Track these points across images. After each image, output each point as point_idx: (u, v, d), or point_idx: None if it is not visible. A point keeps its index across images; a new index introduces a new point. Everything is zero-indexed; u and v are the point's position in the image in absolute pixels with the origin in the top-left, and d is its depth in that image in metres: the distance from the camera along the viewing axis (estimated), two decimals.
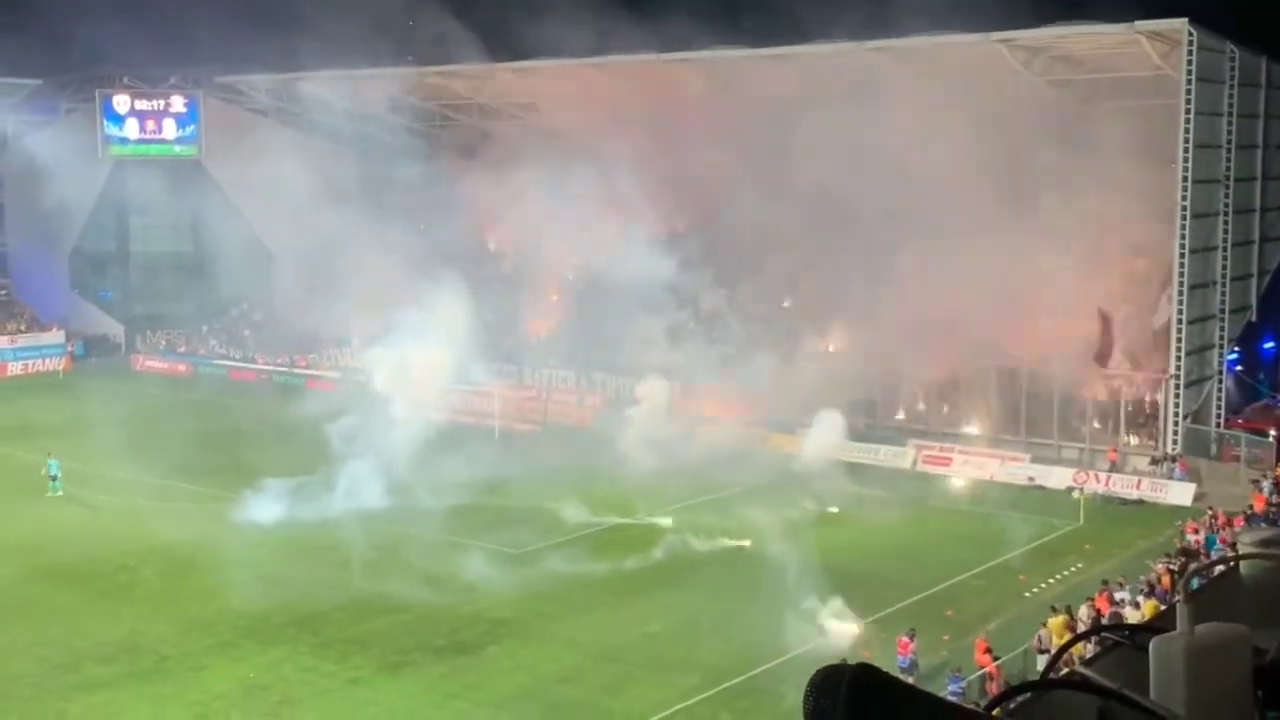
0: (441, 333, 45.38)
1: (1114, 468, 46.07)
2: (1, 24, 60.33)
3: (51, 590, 35.69)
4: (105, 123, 75.31)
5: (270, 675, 29.83)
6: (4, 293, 76.58)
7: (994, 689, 26.54)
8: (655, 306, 51.00)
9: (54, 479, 44.44)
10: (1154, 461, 46.08)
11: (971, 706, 2.74)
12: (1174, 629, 2.87)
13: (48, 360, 71.83)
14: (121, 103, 75.25)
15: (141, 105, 75.44)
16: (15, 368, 70.76)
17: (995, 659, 28.49)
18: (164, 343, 74.63)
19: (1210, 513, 37.71)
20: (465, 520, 40.18)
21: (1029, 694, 3.03)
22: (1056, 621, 29.21)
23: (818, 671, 2.52)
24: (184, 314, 74.38)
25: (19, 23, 59.43)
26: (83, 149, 72.54)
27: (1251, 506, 38.96)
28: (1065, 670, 3.25)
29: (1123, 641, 3.09)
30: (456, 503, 40.89)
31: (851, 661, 2.52)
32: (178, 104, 75.38)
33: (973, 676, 27.76)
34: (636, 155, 52.56)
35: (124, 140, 75.47)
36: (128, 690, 29.04)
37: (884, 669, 2.51)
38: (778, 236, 51.61)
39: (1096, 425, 48.98)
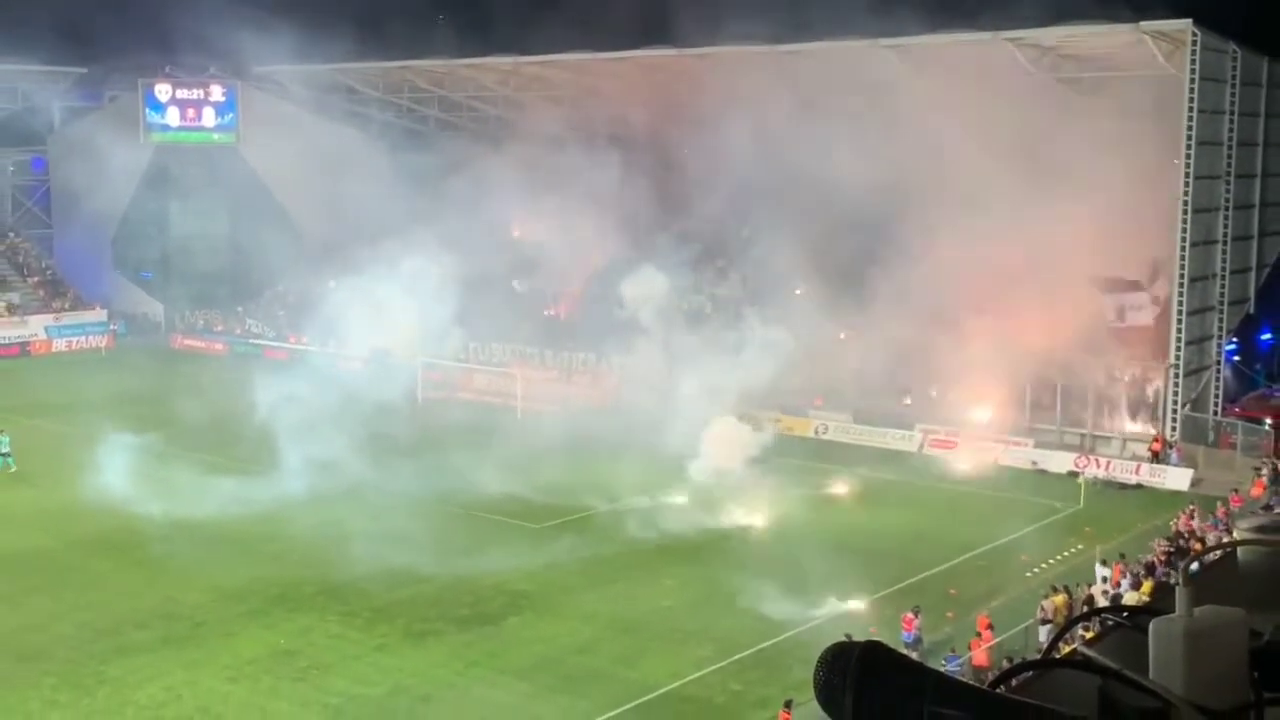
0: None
1: (1157, 458, 46.28)
2: (49, 14, 61.80)
3: (92, 558, 36.53)
4: (147, 110, 76.65)
5: (300, 642, 30.59)
6: (49, 273, 77.89)
7: (983, 661, 27.53)
8: (674, 293, 51.96)
9: (6, 455, 45.46)
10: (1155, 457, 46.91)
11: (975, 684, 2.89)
12: (1172, 611, 2.86)
13: (90, 338, 73.34)
14: (163, 91, 76.55)
15: (182, 94, 76.77)
16: (60, 344, 72.32)
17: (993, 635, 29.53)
18: (201, 322, 75.96)
19: (1190, 509, 38.05)
20: (487, 497, 40.81)
21: (1032, 672, 3.07)
22: (1058, 600, 29.93)
23: (828, 648, 2.57)
24: (221, 294, 75.71)
25: (66, 13, 60.86)
26: (125, 135, 73.73)
27: (1237, 491, 40.14)
28: (1067, 649, 3.26)
29: (1123, 623, 3.10)
30: (478, 480, 41.60)
31: (859, 638, 2.67)
32: (217, 93, 76.65)
33: (967, 656, 28.35)
34: (656, 145, 53.63)
35: (165, 127, 76.79)
36: (164, 654, 29.73)
37: (891, 645, 2.61)
38: (791, 227, 52.64)
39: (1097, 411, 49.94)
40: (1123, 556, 33.91)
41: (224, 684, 28.42)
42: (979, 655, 28.13)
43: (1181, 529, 35.78)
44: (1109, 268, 48.54)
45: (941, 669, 18.27)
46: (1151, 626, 2.84)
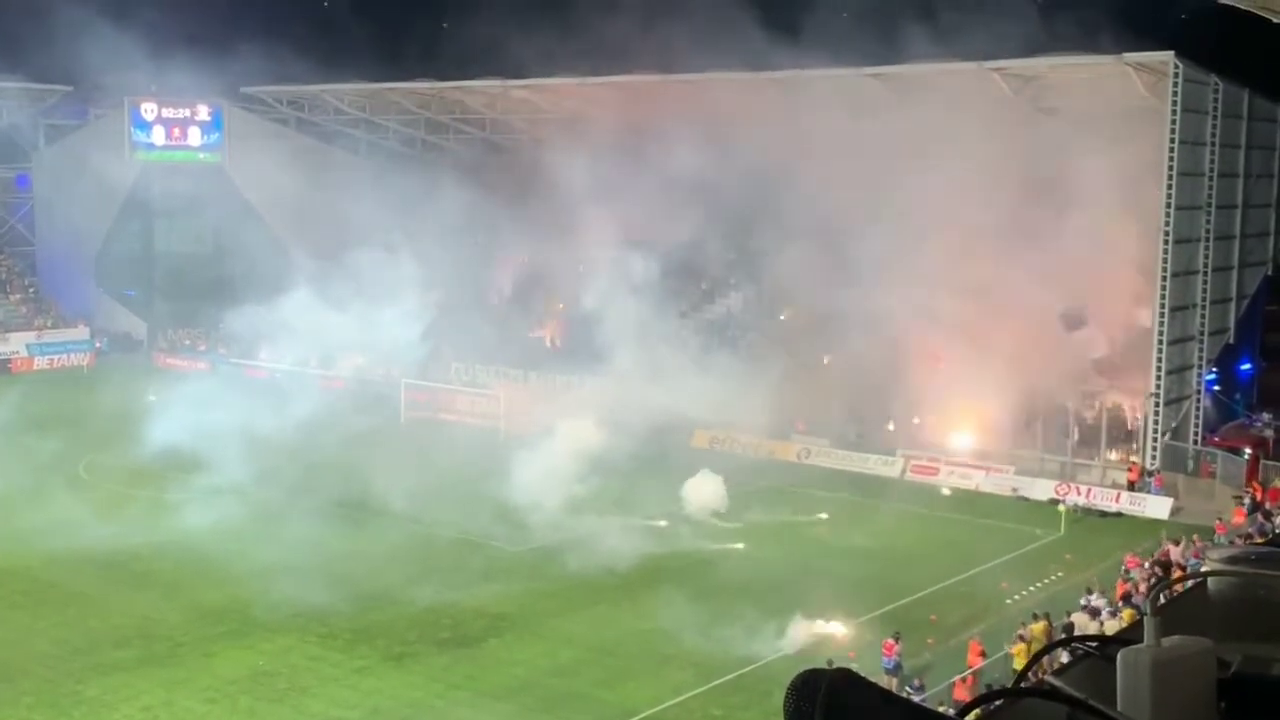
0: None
1: (1134, 487, 46.43)
2: (36, 33, 61.87)
3: (70, 576, 36.38)
4: (133, 129, 76.58)
5: (279, 663, 30.56)
6: (32, 290, 77.80)
7: (965, 695, 27.51)
8: (656, 316, 52.13)
9: None
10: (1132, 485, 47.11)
11: (945, 711, 2.99)
12: (1142, 641, 2.86)
13: (72, 355, 73.21)
14: (149, 110, 76.47)
15: (168, 113, 76.70)
16: (42, 362, 72.19)
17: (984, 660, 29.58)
18: (187, 341, 75.75)
19: (1163, 548, 37.64)
20: (468, 518, 40.64)
21: (1000, 701, 3.03)
22: (1037, 628, 29.84)
23: (798, 674, 2.57)
24: (204, 313, 75.49)
25: (53, 31, 60.98)
26: (110, 153, 73.85)
27: (1220, 519, 40.33)
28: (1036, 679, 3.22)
29: (1092, 652, 3.09)
30: (460, 501, 41.37)
31: (836, 664, 2.85)
32: (202, 112, 76.62)
33: (940, 686, 28.47)
34: (642, 169, 53.85)
35: (150, 146, 76.72)
36: (142, 674, 29.79)
37: (865, 672, 2.62)
38: (775, 252, 52.98)
39: (1077, 439, 50.21)
40: (1125, 571, 34.46)
41: (202, 704, 28.42)
42: (960, 689, 28.07)
43: (1159, 559, 35.84)
44: (1088, 296, 48.82)
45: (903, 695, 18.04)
46: (1119, 656, 2.85)
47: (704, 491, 43.25)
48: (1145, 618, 2.92)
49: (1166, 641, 2.86)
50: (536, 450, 42.95)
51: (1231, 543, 31.83)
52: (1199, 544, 36.23)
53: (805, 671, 2.59)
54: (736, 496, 43.92)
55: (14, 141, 77.73)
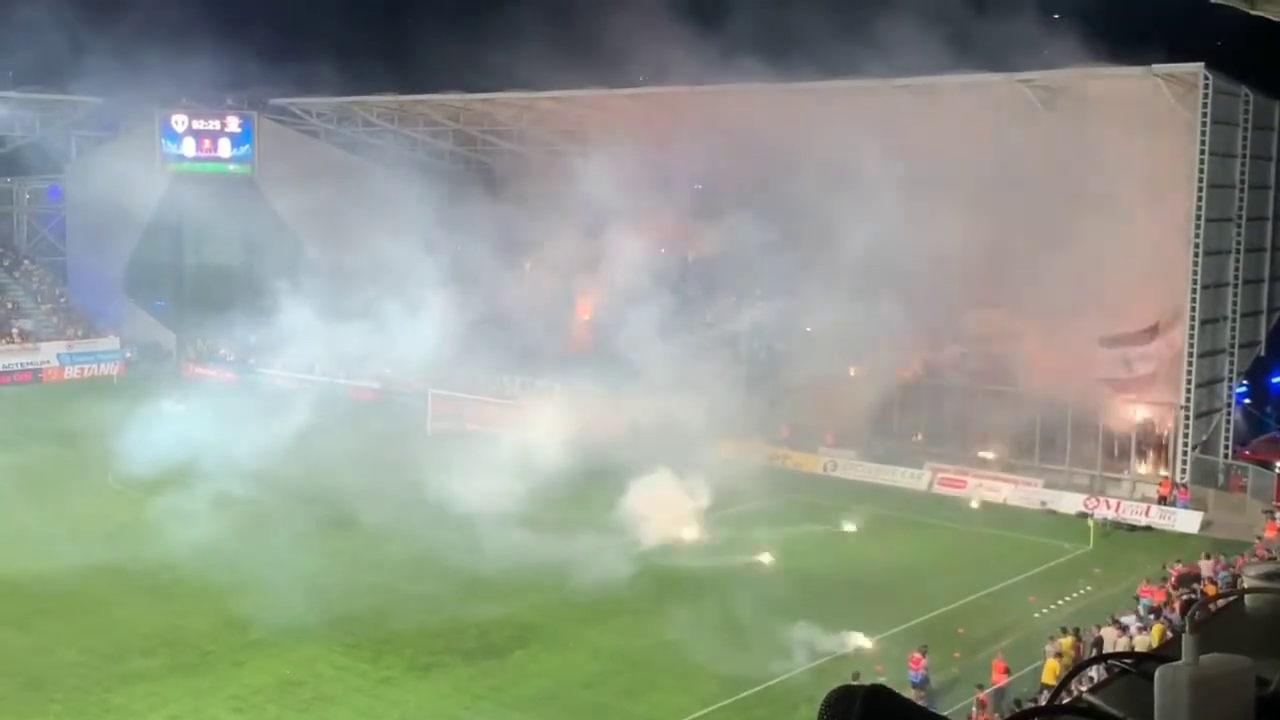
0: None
1: (1165, 501, 46.22)
2: (66, 44, 62.45)
3: (97, 584, 36.53)
4: (163, 141, 76.94)
5: (305, 672, 30.58)
6: (63, 300, 78.27)
7: (985, 715, 27.31)
8: (681, 326, 52.10)
9: None
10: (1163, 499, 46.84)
11: None
12: (1179, 658, 2.84)
13: (102, 365, 73.73)
14: (179, 122, 76.85)
15: (198, 125, 77.02)
16: (72, 372, 72.66)
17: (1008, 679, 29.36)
18: (221, 350, 76.10)
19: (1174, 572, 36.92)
20: (490, 529, 40.00)
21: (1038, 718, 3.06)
22: (1065, 642, 29.71)
23: (832, 691, 2.59)
24: (233, 324, 75.78)
25: (83, 43, 61.56)
26: (141, 165, 73.92)
27: (1259, 536, 39.99)
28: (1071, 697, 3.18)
29: (1128, 670, 3.07)
30: (484, 511, 40.75)
31: (865, 678, 2.83)
32: (233, 124, 76.99)
33: (965, 702, 28.19)
34: (669, 179, 53.94)
35: (181, 158, 77.04)
36: (169, 683, 29.83)
37: (896, 686, 2.81)
38: (802, 264, 52.83)
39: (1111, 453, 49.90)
40: (1164, 580, 34.40)
41: (229, 713, 28.51)
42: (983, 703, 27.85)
43: (1188, 573, 35.55)
44: (1121, 313, 48.52)
45: None
46: (1157, 674, 2.83)
47: (650, 502, 41.88)
48: (1183, 635, 2.89)
49: (1205, 659, 2.83)
50: (559, 461, 42.86)
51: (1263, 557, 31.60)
52: (1213, 560, 36.01)
53: (840, 687, 2.60)
54: (762, 510, 43.78)
55: (46, 153, 78.36)
